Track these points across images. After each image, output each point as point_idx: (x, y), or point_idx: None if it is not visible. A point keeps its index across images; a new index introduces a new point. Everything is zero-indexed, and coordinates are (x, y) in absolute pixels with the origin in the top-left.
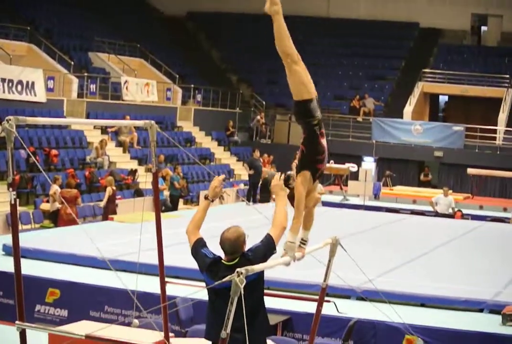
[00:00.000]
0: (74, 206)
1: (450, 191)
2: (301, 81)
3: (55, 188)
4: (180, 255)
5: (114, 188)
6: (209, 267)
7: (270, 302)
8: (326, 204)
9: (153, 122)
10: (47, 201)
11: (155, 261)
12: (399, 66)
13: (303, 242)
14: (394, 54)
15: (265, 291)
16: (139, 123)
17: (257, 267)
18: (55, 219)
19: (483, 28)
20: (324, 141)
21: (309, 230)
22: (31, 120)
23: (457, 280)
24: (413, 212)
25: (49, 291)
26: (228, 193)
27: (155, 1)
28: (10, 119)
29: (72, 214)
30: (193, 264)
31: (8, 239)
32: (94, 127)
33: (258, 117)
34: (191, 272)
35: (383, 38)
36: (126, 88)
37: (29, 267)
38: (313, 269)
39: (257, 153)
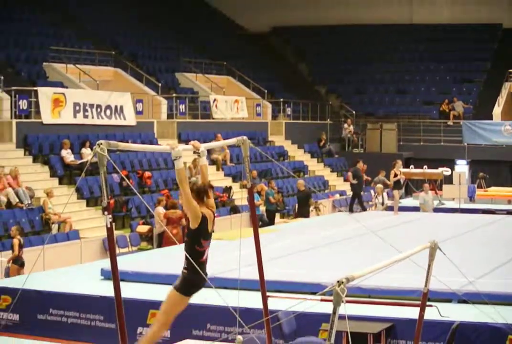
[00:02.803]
0: (179, 227)
1: None
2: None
3: (160, 210)
4: (280, 269)
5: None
6: None
7: (372, 310)
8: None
9: (245, 138)
10: (143, 223)
11: (255, 276)
12: (485, 68)
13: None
14: (480, 56)
15: (367, 299)
16: (232, 141)
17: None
18: (161, 241)
19: None
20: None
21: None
22: (123, 145)
23: None
24: (509, 212)
25: (151, 313)
26: (324, 204)
27: (239, 18)
28: (101, 143)
29: (178, 235)
30: (294, 277)
31: (106, 263)
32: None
33: (345, 125)
34: (292, 285)
35: (468, 41)
36: (216, 106)
37: (129, 290)
38: (412, 274)
39: (360, 163)
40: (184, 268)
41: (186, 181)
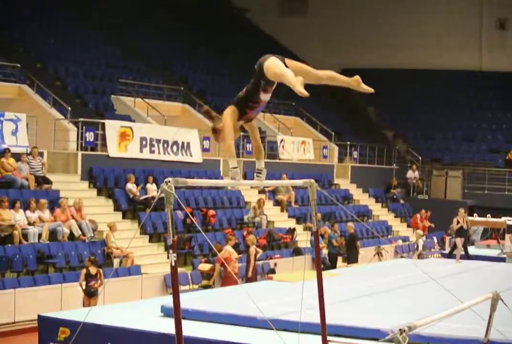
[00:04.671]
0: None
1: None
2: (281, 73)
3: (229, 249)
4: (341, 314)
5: (256, 247)
6: None
7: None
8: (484, 258)
9: (313, 181)
10: (205, 262)
11: (315, 319)
12: None
13: (259, 171)
14: None
15: None
16: (299, 182)
17: None
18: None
19: None
20: (264, 96)
21: (261, 159)
22: (190, 181)
23: None
24: None
25: None
26: (386, 250)
27: (308, 59)
28: (169, 181)
29: (234, 275)
30: (354, 321)
31: (165, 300)
32: (251, 187)
33: (410, 170)
34: (352, 330)
35: None
36: (283, 146)
37: (188, 328)
38: (473, 324)
39: (461, 211)
40: None
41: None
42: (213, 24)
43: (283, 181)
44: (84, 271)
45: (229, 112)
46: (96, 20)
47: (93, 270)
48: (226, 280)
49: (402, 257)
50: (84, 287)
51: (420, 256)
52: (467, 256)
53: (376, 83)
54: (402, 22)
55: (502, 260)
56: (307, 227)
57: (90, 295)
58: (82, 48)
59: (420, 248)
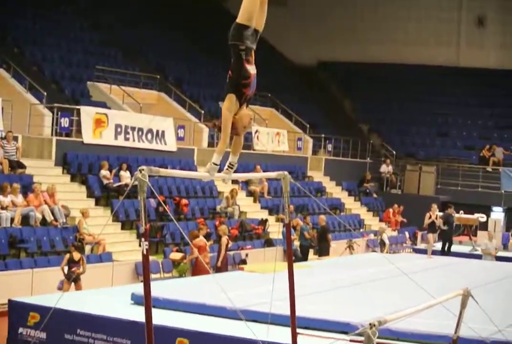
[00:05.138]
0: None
1: None
2: (250, 8)
3: (200, 238)
4: (311, 306)
5: (228, 237)
6: None
7: None
8: (455, 254)
9: (286, 173)
10: (177, 251)
11: (285, 311)
12: None
13: (231, 165)
14: None
15: (396, 342)
16: (273, 174)
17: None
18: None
19: None
20: (251, 68)
21: (236, 155)
22: (164, 172)
23: None
24: None
25: (178, 341)
26: (358, 243)
27: (286, 50)
28: (143, 169)
29: (205, 265)
30: (324, 314)
31: (136, 288)
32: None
33: (384, 165)
34: (322, 323)
35: None
36: (257, 137)
37: (158, 317)
38: (443, 320)
39: (451, 209)
40: None
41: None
42: (191, 13)
43: (256, 174)
44: (67, 256)
45: (227, 104)
46: (74, 6)
47: (76, 255)
48: (197, 269)
49: (373, 251)
50: (66, 272)
51: (385, 250)
52: (447, 251)
53: (352, 76)
54: (380, 15)
55: (474, 256)
56: (279, 219)
57: (73, 280)
58: (60, 34)
59: (387, 242)
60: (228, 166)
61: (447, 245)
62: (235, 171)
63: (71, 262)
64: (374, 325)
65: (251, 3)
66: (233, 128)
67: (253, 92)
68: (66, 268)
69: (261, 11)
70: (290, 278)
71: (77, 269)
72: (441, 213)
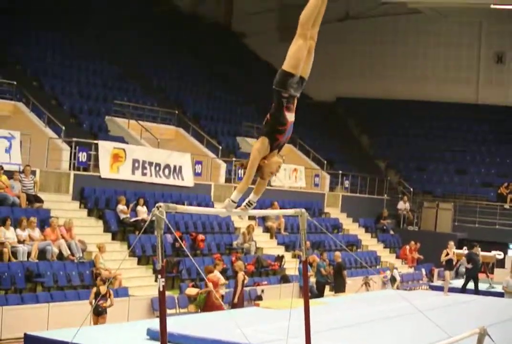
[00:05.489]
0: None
1: None
2: (297, 55)
3: (216, 274)
4: (326, 343)
5: (244, 273)
6: None
7: None
8: (471, 291)
9: (303, 210)
10: (193, 286)
11: None
12: None
13: (249, 204)
14: None
15: None
16: (290, 211)
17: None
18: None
19: None
20: (289, 116)
21: (258, 195)
22: (181, 208)
23: None
24: None
25: None
26: (374, 280)
27: (305, 86)
28: (161, 206)
29: (217, 299)
30: None
31: (152, 323)
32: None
33: (401, 202)
34: None
35: None
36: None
37: None
38: None
39: (477, 248)
40: None
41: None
42: (212, 49)
43: (273, 211)
44: (94, 289)
45: (258, 146)
46: (94, 40)
47: (103, 289)
48: (209, 304)
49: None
50: (93, 305)
51: (394, 287)
52: (475, 290)
53: (370, 113)
54: (400, 53)
55: (491, 294)
56: (295, 255)
57: (99, 314)
58: (79, 67)
59: (397, 278)
60: (247, 204)
61: (474, 284)
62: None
63: (98, 296)
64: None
65: (299, 50)
66: (259, 171)
67: (287, 139)
68: (93, 302)
69: (308, 58)
70: (306, 314)
71: (104, 303)
72: (460, 251)
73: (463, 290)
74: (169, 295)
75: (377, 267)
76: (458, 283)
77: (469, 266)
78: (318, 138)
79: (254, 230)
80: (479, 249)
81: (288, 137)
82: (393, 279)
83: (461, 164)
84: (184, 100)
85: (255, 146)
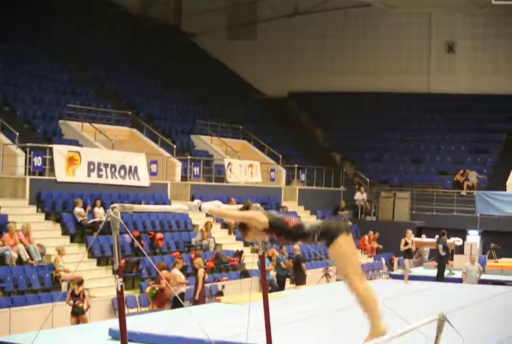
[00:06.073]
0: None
1: None
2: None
3: (176, 272)
4: (287, 336)
5: (204, 269)
6: None
7: None
8: (432, 278)
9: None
10: (153, 284)
11: (262, 342)
12: (501, 139)
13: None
14: (496, 127)
15: None
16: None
17: None
18: (174, 302)
19: None
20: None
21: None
22: (136, 207)
23: None
24: None
25: None
26: (334, 271)
27: (257, 83)
28: (115, 207)
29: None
30: None
31: (113, 323)
32: None
33: (358, 192)
34: None
35: (484, 111)
36: (230, 170)
37: None
38: None
39: (409, 232)
40: None
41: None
42: (162, 49)
43: (230, 207)
44: (70, 290)
45: (258, 217)
46: (45, 45)
47: (77, 290)
48: (160, 299)
49: (338, 280)
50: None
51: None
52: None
53: (323, 106)
54: (350, 45)
55: (451, 280)
56: (255, 250)
57: (76, 314)
58: (30, 73)
59: None
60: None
61: (438, 271)
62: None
63: (74, 296)
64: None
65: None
66: (245, 230)
67: (281, 243)
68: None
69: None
70: (265, 308)
71: (80, 303)
72: (418, 239)
73: (438, 278)
74: (130, 295)
75: None
76: (418, 271)
77: (444, 253)
78: (272, 133)
79: (212, 227)
80: (446, 237)
81: (282, 243)
82: None
83: (416, 153)
84: (136, 101)
85: (255, 214)
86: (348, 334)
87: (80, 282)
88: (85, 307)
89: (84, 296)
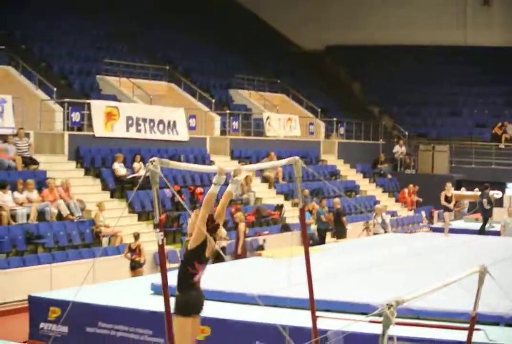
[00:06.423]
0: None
1: None
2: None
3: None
4: (329, 289)
5: (245, 224)
6: None
7: (420, 332)
8: (472, 231)
9: (297, 158)
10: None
11: (305, 295)
12: None
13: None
14: None
15: (416, 321)
16: (283, 161)
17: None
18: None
19: None
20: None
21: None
22: (173, 164)
23: None
24: None
25: (200, 329)
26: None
27: (293, 36)
28: (154, 161)
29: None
30: (343, 297)
31: (156, 278)
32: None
33: (397, 146)
34: (341, 305)
35: None
36: (269, 124)
37: None
38: (461, 297)
39: (448, 185)
40: (177, 289)
41: (210, 206)
42: (196, 2)
43: (267, 163)
44: (127, 245)
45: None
46: (80, 2)
47: (133, 244)
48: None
49: (375, 233)
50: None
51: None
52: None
53: (360, 60)
54: None
55: (490, 233)
56: (295, 203)
57: (133, 268)
58: (66, 29)
59: (387, 222)
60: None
61: (483, 224)
62: (249, 161)
63: (130, 251)
64: (392, 305)
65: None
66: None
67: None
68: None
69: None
70: (307, 261)
71: (136, 257)
72: (458, 192)
73: (481, 231)
74: (171, 250)
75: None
76: (458, 224)
77: (488, 207)
78: (310, 87)
79: (252, 181)
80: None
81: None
82: (383, 224)
83: (454, 106)
84: (174, 56)
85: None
86: (389, 286)
87: (136, 236)
88: (141, 261)
89: (140, 250)
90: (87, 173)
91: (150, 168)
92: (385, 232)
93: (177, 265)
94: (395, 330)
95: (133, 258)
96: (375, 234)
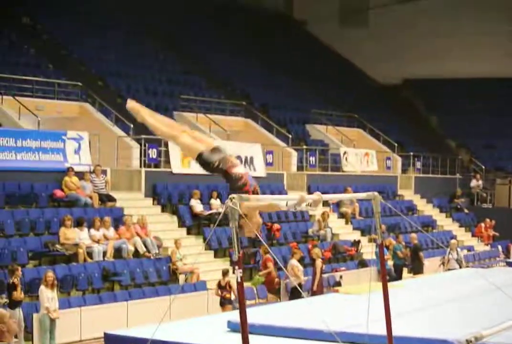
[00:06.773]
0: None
1: None
2: (185, 147)
3: (293, 263)
4: (407, 325)
5: (321, 260)
6: None
7: None
8: None
9: (376, 193)
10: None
11: (382, 331)
12: None
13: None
14: None
15: None
16: (362, 195)
17: None
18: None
19: None
20: (237, 169)
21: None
22: (254, 198)
23: None
24: None
25: None
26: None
27: (370, 70)
28: (233, 198)
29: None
30: (421, 332)
31: (232, 315)
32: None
33: (474, 180)
34: (420, 341)
35: None
36: (346, 159)
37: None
38: None
39: None
40: None
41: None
42: (274, 38)
43: (345, 195)
44: (216, 282)
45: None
46: (156, 36)
47: (223, 281)
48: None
49: (467, 266)
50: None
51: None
52: None
53: (438, 92)
54: (465, 31)
55: None
56: (372, 239)
57: (222, 304)
58: (141, 63)
59: (462, 257)
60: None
61: None
62: (326, 193)
63: (220, 288)
64: (471, 341)
65: (184, 143)
66: (241, 230)
67: (255, 186)
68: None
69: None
70: (385, 297)
71: (227, 294)
72: None
73: None
74: (248, 286)
75: None
76: None
77: None
78: (387, 121)
79: (329, 217)
80: None
81: (255, 185)
82: (457, 258)
83: None
84: (250, 91)
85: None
86: (466, 321)
87: (225, 273)
88: (232, 298)
89: (230, 286)
90: (163, 209)
91: (229, 205)
92: (460, 267)
93: (253, 302)
94: None
95: (223, 295)
96: (449, 269)
